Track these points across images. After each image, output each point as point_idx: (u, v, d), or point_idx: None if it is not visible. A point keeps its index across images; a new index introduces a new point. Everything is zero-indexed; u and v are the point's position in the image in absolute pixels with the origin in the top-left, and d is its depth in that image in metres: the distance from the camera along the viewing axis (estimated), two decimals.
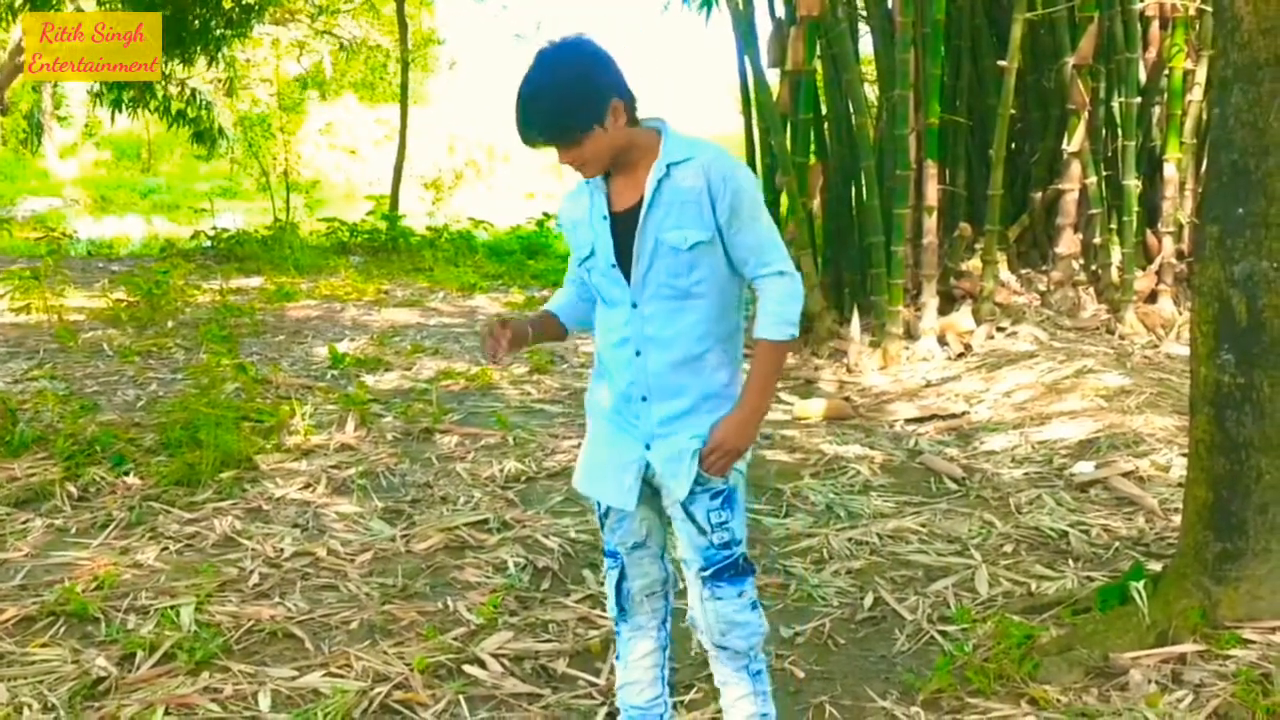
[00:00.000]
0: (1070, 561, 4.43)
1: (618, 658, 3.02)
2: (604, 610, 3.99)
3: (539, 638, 3.83)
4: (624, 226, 2.65)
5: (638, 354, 2.68)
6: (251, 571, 4.35)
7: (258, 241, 14.85)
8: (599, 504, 2.87)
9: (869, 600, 4.14)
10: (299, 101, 22.62)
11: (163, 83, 16.08)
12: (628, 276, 2.65)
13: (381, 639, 3.79)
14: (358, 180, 27.56)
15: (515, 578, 4.31)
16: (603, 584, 4.27)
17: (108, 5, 15.00)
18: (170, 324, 9.49)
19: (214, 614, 3.94)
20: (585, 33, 2.63)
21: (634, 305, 2.66)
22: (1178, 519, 4.73)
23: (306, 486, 5.37)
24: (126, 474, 5.43)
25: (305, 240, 15.54)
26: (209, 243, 14.82)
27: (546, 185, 27.59)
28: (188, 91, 17.68)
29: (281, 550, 4.56)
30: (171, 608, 3.96)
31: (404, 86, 18.16)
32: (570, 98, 2.54)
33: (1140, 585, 3.63)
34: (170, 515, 4.96)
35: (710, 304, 2.65)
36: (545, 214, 16.04)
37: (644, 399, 2.69)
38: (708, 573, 2.75)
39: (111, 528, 4.81)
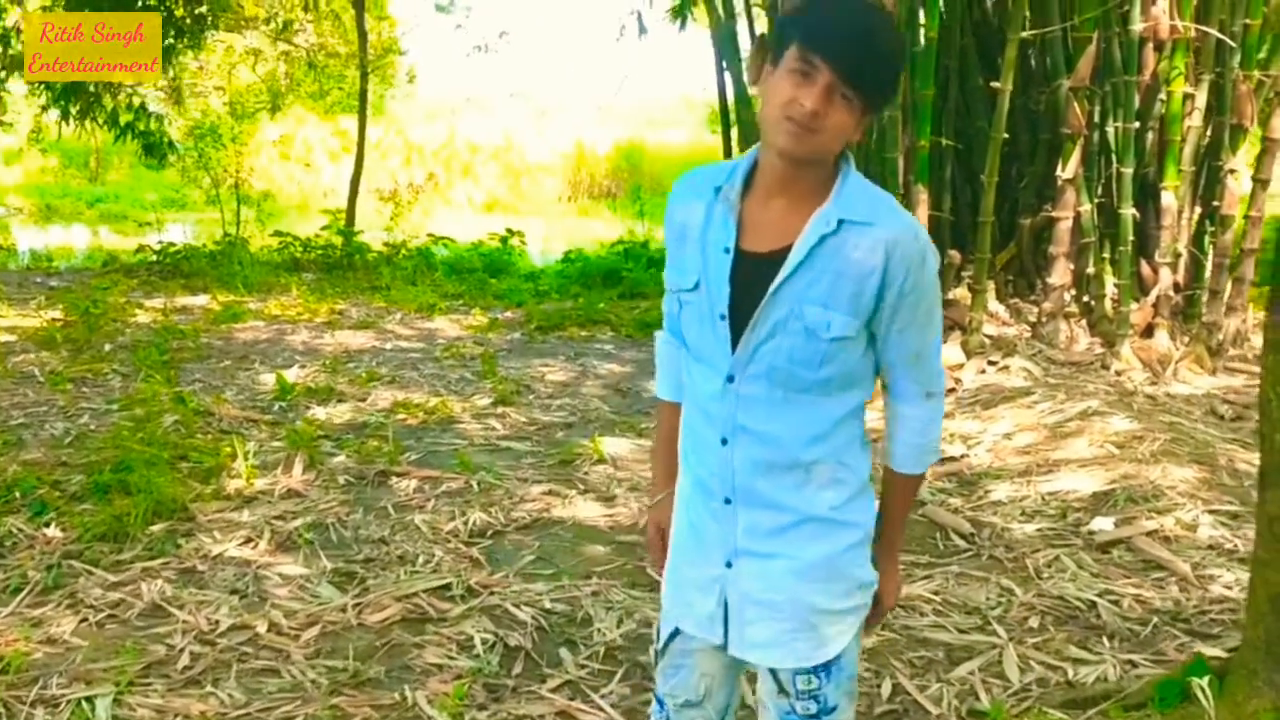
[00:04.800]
0: (1105, 640, 3.96)
1: None
2: (586, 703, 3.49)
3: None
4: (750, 274, 1.97)
5: (724, 442, 2.03)
6: (181, 650, 3.81)
7: (205, 256, 14.19)
8: (661, 629, 2.26)
9: (887, 689, 3.64)
10: (254, 110, 21.88)
11: (110, 92, 15.37)
12: (735, 339, 2.00)
13: None
14: (312, 192, 26.84)
15: (483, 660, 3.78)
16: (582, 666, 3.80)
17: (45, 5, 14.39)
18: (108, 346, 8.86)
19: (134, 707, 3.41)
20: None
21: (729, 379, 2.01)
22: (1215, 589, 4.32)
23: (247, 541, 4.82)
24: (47, 525, 4.88)
25: (256, 256, 14.84)
26: (154, 257, 14.16)
27: (507, 198, 27.10)
28: (136, 102, 16.95)
29: (216, 624, 4.01)
30: (86, 699, 3.43)
31: (362, 96, 17.54)
32: (900, 58, 2.04)
33: (1204, 682, 3.19)
34: (93, 577, 4.40)
35: (833, 404, 2.02)
36: (509, 230, 15.44)
37: (727, 501, 2.06)
38: None
39: (25, 593, 4.24)
